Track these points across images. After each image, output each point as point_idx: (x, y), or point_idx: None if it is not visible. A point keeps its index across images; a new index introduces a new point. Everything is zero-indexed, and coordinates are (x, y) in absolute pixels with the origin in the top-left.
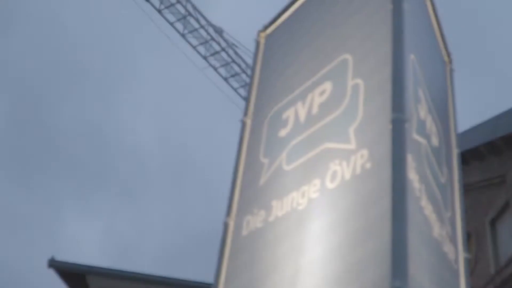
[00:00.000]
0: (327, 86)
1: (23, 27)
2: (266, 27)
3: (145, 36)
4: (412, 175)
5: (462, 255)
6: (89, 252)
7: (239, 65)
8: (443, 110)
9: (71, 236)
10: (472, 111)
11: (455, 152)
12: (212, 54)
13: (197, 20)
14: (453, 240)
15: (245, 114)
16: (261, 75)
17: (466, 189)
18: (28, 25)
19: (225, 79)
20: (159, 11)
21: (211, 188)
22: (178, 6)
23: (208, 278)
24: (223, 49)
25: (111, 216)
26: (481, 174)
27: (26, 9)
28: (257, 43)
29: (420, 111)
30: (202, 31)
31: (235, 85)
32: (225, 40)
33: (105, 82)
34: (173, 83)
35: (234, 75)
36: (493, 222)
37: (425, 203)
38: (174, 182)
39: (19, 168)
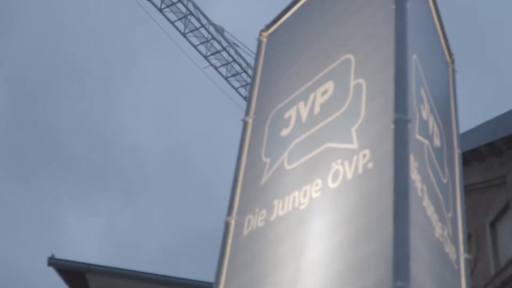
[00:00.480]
0: (329, 86)
1: (23, 26)
2: (268, 27)
3: (145, 35)
4: (414, 175)
5: (463, 256)
6: (88, 251)
7: (240, 65)
8: (444, 110)
9: (70, 235)
10: (472, 111)
11: (456, 153)
12: (213, 54)
13: (198, 19)
14: (454, 240)
15: (247, 113)
16: (262, 74)
17: (466, 190)
18: (28, 24)
19: (226, 78)
20: (160, 10)
21: (211, 188)
22: (179, 5)
23: (208, 277)
24: (224, 49)
25: (110, 215)
26: (482, 175)
27: (26, 7)
28: (259, 42)
29: (423, 111)
30: (203, 30)
31: (236, 84)
32: (226, 40)
33: (105, 81)
34: (173, 82)
35: (234, 75)
36: (493, 223)
37: (427, 203)
38: (173, 181)
39: (19, 166)
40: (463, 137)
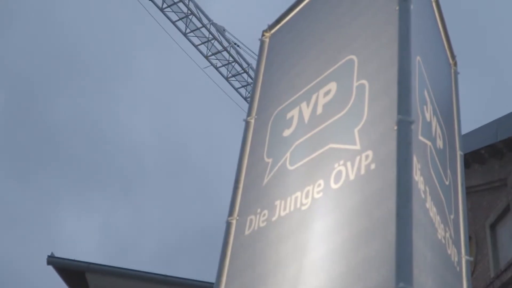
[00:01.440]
0: (332, 86)
1: (22, 25)
2: (270, 27)
3: (145, 35)
4: (417, 177)
5: (464, 258)
6: (86, 250)
7: (240, 65)
8: (447, 112)
9: (68, 234)
10: (473, 113)
11: (458, 155)
12: (214, 54)
13: (199, 19)
14: (455, 242)
15: (249, 114)
16: (265, 74)
17: (467, 192)
18: (28, 23)
19: (226, 78)
20: (162, 9)
21: (209, 186)
22: (181, 5)
23: (206, 274)
24: (225, 49)
25: (108, 213)
26: (482, 177)
27: (25, 7)
28: (261, 43)
29: (426, 113)
30: (204, 30)
31: (237, 85)
32: (227, 40)
33: (104, 80)
34: (173, 82)
35: (235, 75)
36: (494, 226)
37: (429, 205)
38: (172, 179)
39: (17, 165)
40: (464, 139)
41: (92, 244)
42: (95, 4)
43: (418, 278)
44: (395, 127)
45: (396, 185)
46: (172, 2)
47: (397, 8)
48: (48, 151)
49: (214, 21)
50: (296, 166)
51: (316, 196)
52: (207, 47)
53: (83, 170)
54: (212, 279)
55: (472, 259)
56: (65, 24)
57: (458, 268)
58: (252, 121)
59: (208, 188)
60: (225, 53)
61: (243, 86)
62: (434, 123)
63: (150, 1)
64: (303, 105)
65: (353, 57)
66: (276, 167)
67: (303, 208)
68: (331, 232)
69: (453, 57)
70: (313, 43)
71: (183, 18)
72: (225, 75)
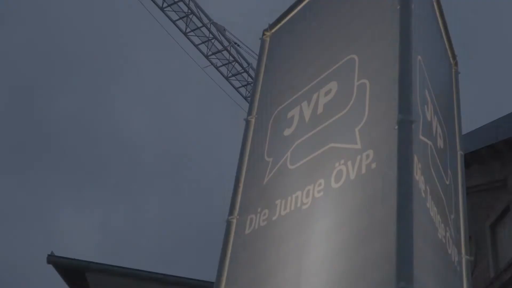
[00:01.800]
0: (333, 86)
1: (19, 21)
2: (271, 26)
3: (145, 34)
4: (418, 176)
5: (464, 258)
6: (86, 248)
7: (241, 64)
8: (448, 112)
9: (68, 233)
10: (473, 113)
11: (459, 155)
12: (214, 53)
13: (200, 19)
14: (456, 242)
15: (249, 113)
16: (265, 74)
17: (467, 191)
18: (24, 20)
19: (227, 78)
20: (162, 9)
21: (208, 184)
22: (181, 4)
23: (206, 274)
24: (225, 48)
25: (108, 212)
26: (482, 177)
27: (25, 4)
28: (262, 42)
29: (427, 112)
30: (204, 30)
31: (237, 84)
32: (227, 39)
33: (103, 78)
34: (171, 79)
35: (235, 74)
36: (493, 226)
37: (430, 204)
38: (170, 177)
39: (15, 162)
40: (464, 139)
41: (91, 243)
42: (95, 4)
43: (419, 278)
44: (396, 127)
45: (397, 185)
46: (173, 2)
47: (398, 7)
48: (47, 151)
49: (215, 20)
50: (296, 165)
51: (317, 195)
52: (207, 47)
53: (82, 169)
54: (212, 278)
55: (472, 259)
56: (65, 24)
57: (458, 268)
58: (253, 120)
59: (208, 188)
60: (225, 53)
61: (243, 86)
62: (434, 122)
63: (150, 1)
64: (304, 104)
65: (354, 56)
66: (277, 167)
67: (304, 207)
68: (331, 232)
69: (454, 56)
70: (314, 42)
71: (183, 17)
72: (225, 74)
